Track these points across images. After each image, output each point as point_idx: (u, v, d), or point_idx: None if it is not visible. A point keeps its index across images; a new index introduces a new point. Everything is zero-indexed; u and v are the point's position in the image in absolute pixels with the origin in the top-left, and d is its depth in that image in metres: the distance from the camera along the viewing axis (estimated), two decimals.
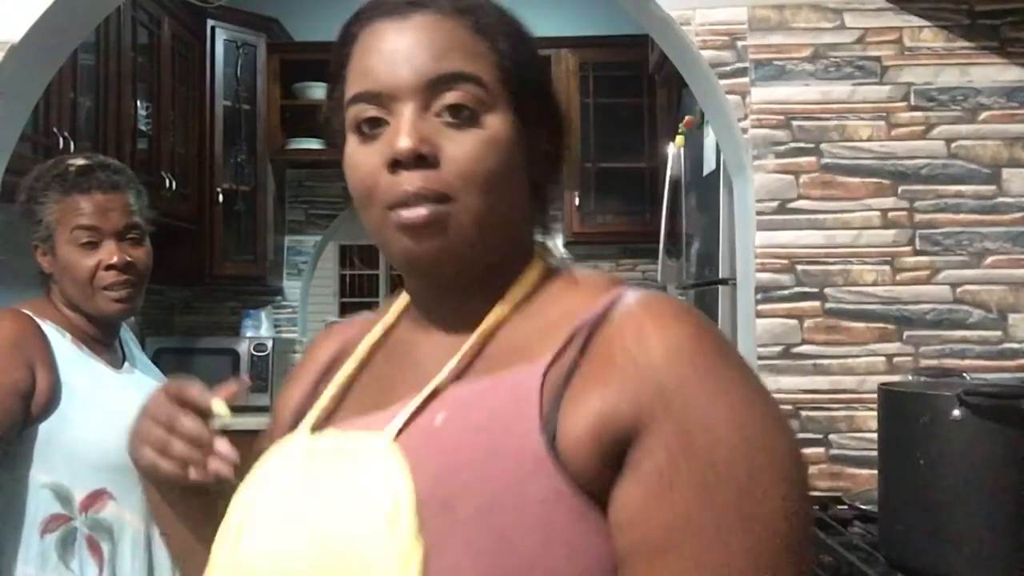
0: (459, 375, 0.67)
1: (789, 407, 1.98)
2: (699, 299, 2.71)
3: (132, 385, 1.56)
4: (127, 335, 1.66)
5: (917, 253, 1.99)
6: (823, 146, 2.01)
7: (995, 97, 1.99)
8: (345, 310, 5.98)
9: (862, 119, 2.01)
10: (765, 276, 2.01)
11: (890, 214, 2.00)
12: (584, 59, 4.04)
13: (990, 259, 1.98)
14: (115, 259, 1.48)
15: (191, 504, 0.79)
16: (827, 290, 2.00)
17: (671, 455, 0.57)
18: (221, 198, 3.85)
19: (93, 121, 2.92)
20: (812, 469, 1.97)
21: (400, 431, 0.64)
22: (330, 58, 0.76)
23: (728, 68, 2.02)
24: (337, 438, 0.69)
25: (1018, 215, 1.99)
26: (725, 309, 2.38)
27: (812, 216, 2.00)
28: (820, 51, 2.02)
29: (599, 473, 0.58)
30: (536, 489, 0.58)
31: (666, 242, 2.99)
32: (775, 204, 2.01)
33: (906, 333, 1.98)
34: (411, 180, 0.65)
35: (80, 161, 1.52)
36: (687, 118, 2.86)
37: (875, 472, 1.49)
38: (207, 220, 3.83)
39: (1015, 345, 1.97)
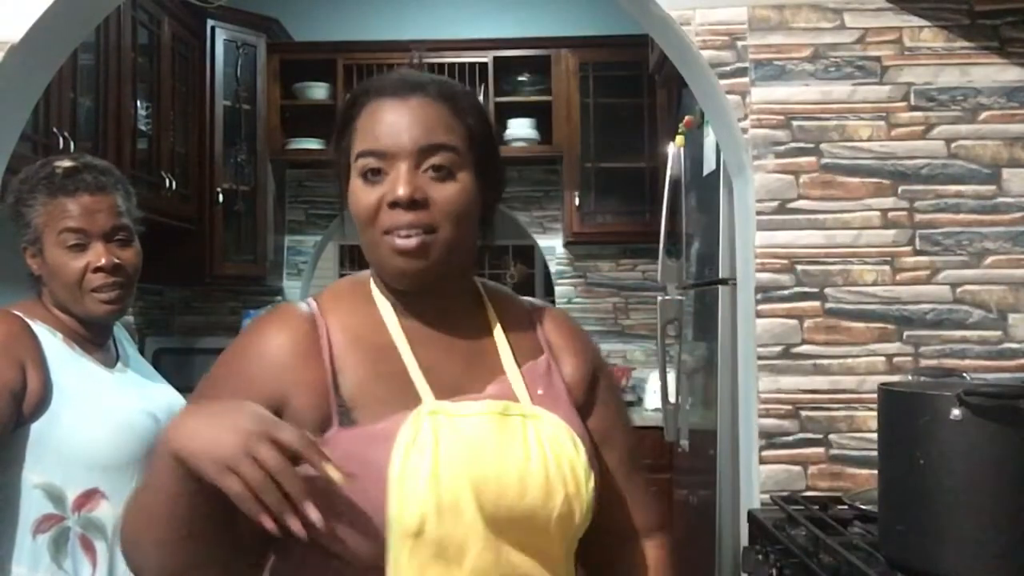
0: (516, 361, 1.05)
1: (789, 407, 1.99)
2: (699, 299, 2.71)
3: (125, 384, 1.55)
4: (121, 334, 1.66)
5: (917, 253, 1.99)
6: (823, 146, 2.01)
7: (995, 97, 1.99)
8: None
9: (862, 119, 2.01)
10: (765, 276, 2.01)
11: (890, 214, 2.00)
12: (584, 59, 4.04)
13: (990, 259, 1.98)
14: (103, 261, 1.48)
15: (208, 508, 0.88)
16: (827, 290, 2.00)
17: (608, 389, 1.14)
18: (221, 198, 3.85)
19: (93, 121, 2.92)
20: (812, 469, 1.98)
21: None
22: (339, 114, 1.06)
23: (728, 68, 2.02)
24: (494, 408, 0.99)
25: (1018, 215, 1.99)
26: (725, 309, 2.38)
27: (812, 216, 2.00)
28: (820, 51, 2.02)
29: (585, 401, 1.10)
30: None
31: (666, 242, 2.99)
32: (775, 204, 2.01)
33: (906, 333, 1.98)
34: (406, 215, 0.96)
35: (66, 163, 1.51)
36: (687, 118, 2.86)
37: (875, 472, 1.49)
38: (207, 220, 3.83)
39: (1015, 345, 1.97)
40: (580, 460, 0.99)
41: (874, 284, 1.99)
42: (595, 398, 1.11)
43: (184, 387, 1.52)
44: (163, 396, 1.61)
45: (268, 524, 0.81)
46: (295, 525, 0.82)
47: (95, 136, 2.92)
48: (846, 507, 1.76)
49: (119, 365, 1.59)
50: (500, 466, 0.95)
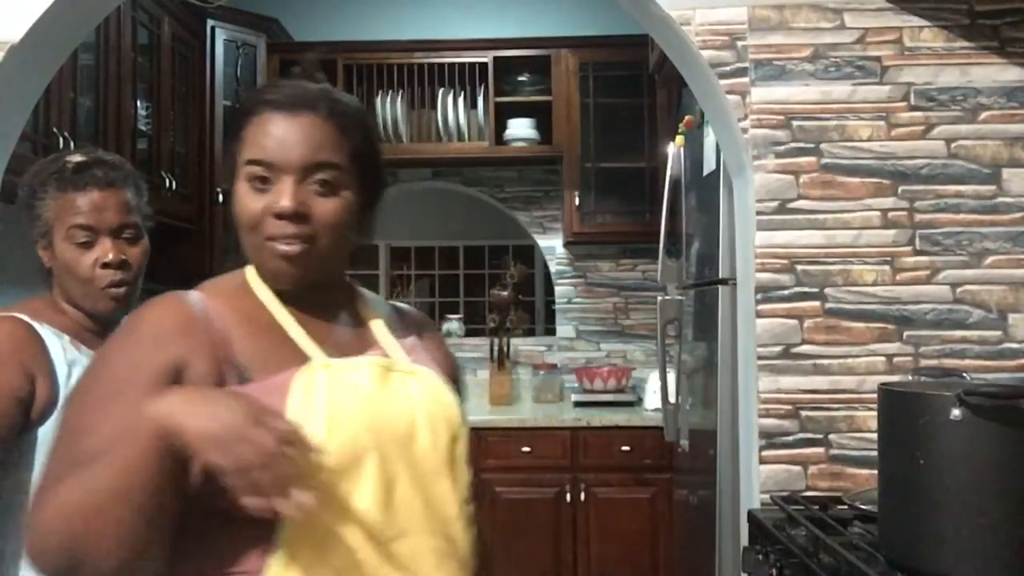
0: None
1: (789, 407, 1.99)
2: (699, 299, 2.71)
3: None
4: None
5: (917, 253, 1.99)
6: (823, 146, 2.01)
7: (995, 97, 1.99)
8: None
9: (862, 119, 2.01)
10: (765, 276, 2.01)
11: (890, 214, 2.00)
12: (584, 59, 4.04)
13: (990, 259, 1.99)
14: (110, 257, 1.49)
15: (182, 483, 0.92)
16: (827, 290, 2.00)
17: (463, 387, 1.22)
18: (221, 198, 3.85)
19: (93, 121, 2.92)
20: (812, 469, 1.98)
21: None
22: (233, 120, 1.13)
23: (728, 68, 2.03)
24: (379, 362, 1.08)
25: (1018, 215, 1.99)
26: (725, 309, 2.38)
27: (812, 216, 2.00)
28: (820, 51, 2.02)
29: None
30: None
31: (666, 242, 2.99)
32: (775, 204, 2.01)
33: (906, 333, 1.98)
34: (290, 227, 1.04)
35: (78, 158, 1.52)
36: (687, 118, 2.86)
37: (875, 472, 1.50)
38: (207, 220, 3.83)
39: (1015, 345, 1.97)
40: (458, 411, 1.11)
41: (874, 284, 1.99)
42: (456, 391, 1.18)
43: None
44: None
45: (255, 503, 0.87)
46: (285, 506, 0.87)
47: (95, 136, 2.91)
48: (846, 507, 1.76)
49: None
50: (390, 412, 1.04)
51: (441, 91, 4.05)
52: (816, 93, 2.02)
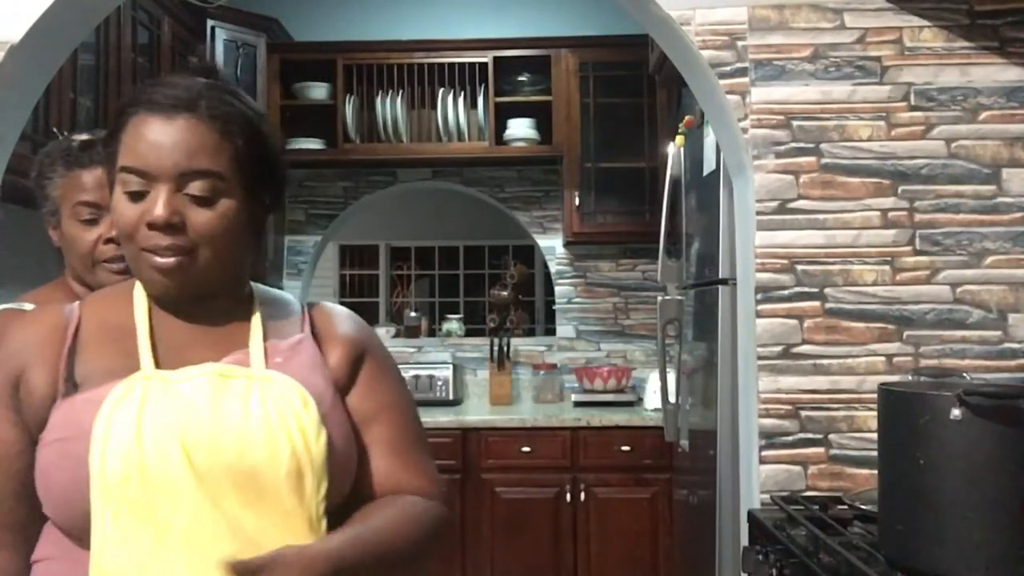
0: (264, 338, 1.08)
1: (789, 407, 1.99)
2: (699, 299, 2.71)
3: None
4: None
5: (917, 253, 1.99)
6: (823, 146, 2.01)
7: (995, 97, 1.99)
8: None
9: (862, 119, 2.01)
10: (765, 276, 2.01)
11: (890, 214, 2.00)
12: (584, 59, 4.04)
13: (990, 259, 1.99)
14: (114, 232, 1.50)
15: None
16: (827, 290, 2.00)
17: (377, 369, 1.15)
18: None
19: (93, 121, 2.91)
20: (812, 469, 1.98)
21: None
22: (110, 121, 1.06)
23: (728, 68, 2.03)
24: (217, 369, 1.02)
25: (1018, 215, 1.99)
26: (725, 309, 2.38)
27: (812, 216, 2.00)
28: (820, 51, 2.02)
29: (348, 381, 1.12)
30: (336, 395, 1.10)
31: (666, 242, 2.99)
32: (775, 204, 2.01)
33: (906, 333, 1.98)
34: (164, 238, 1.00)
35: (84, 136, 1.55)
36: (687, 118, 2.86)
37: (875, 472, 1.50)
38: None
39: (1015, 345, 1.97)
40: (310, 417, 1.01)
41: (874, 284, 1.99)
42: (357, 379, 1.13)
43: None
44: None
45: None
46: None
47: None
48: (846, 507, 1.76)
49: None
50: (215, 425, 0.97)
51: (441, 91, 4.05)
52: (816, 93, 2.02)
